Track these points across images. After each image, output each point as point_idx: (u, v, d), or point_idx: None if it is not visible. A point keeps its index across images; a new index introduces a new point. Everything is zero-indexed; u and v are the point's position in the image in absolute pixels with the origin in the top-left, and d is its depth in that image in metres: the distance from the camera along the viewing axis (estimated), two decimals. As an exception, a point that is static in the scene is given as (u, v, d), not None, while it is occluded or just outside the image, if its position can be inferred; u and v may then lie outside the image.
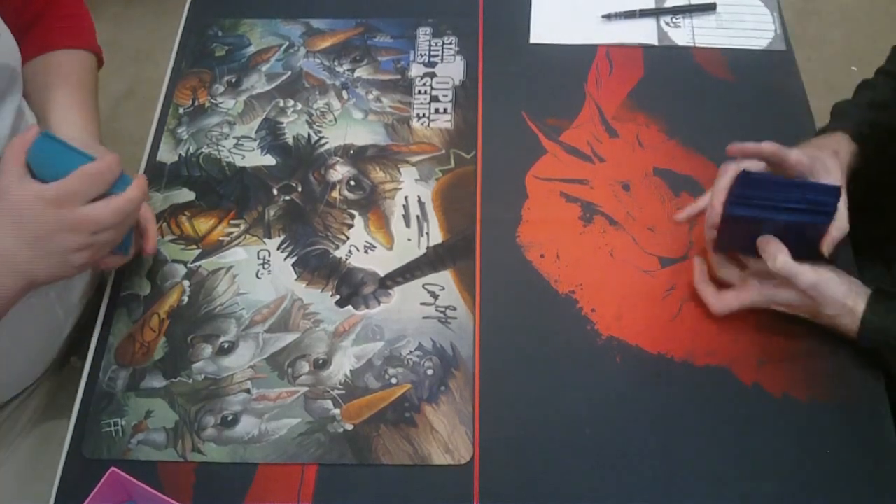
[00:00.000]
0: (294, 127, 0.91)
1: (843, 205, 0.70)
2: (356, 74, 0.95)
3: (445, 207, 0.84)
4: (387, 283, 0.79)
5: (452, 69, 0.95)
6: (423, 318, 0.77)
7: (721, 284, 0.75)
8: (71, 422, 0.73)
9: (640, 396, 0.72)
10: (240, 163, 0.88)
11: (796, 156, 0.72)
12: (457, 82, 0.94)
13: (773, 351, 0.74)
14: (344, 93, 0.94)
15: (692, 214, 0.76)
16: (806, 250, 0.69)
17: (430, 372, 0.74)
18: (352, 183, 0.86)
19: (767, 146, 0.73)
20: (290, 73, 0.96)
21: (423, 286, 0.79)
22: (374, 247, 0.82)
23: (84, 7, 0.87)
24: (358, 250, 0.81)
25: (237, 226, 0.84)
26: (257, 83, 0.95)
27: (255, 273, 0.80)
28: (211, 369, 0.75)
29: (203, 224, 0.84)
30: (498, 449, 0.70)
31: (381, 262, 0.81)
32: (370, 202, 0.85)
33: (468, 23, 1.00)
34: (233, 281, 0.80)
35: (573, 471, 0.69)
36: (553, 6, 1.01)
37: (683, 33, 0.97)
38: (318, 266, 0.81)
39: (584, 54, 0.96)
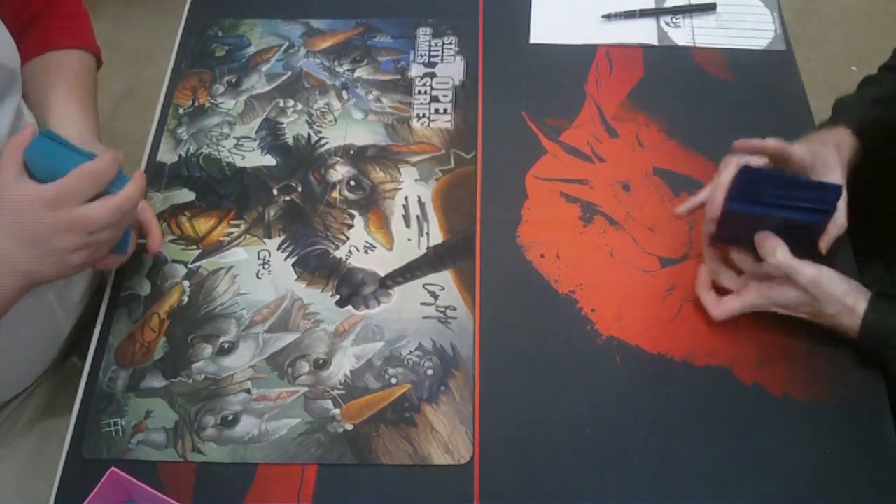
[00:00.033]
0: (294, 127, 0.91)
1: (842, 203, 0.70)
2: (356, 74, 0.95)
3: (445, 207, 0.84)
4: (387, 283, 0.79)
5: (452, 69, 0.95)
6: (423, 318, 0.77)
7: (722, 292, 0.75)
8: (71, 422, 0.73)
9: (640, 396, 0.72)
10: (240, 163, 0.88)
11: (799, 152, 0.72)
12: (457, 82, 0.94)
13: (773, 351, 0.74)
14: (344, 93, 0.94)
15: (692, 208, 0.76)
16: (804, 248, 0.69)
17: (430, 372, 0.74)
18: (352, 183, 0.86)
19: (772, 143, 0.73)
20: (290, 73, 0.96)
21: (423, 286, 0.79)
22: (374, 247, 0.82)
23: (82, 7, 0.87)
24: (358, 250, 0.81)
25: (237, 226, 0.84)
26: (257, 83, 0.95)
27: (255, 273, 0.80)
28: (211, 369, 0.75)
29: (203, 224, 0.84)
30: (498, 449, 0.70)
31: (381, 262, 0.81)
32: (370, 202, 0.85)
33: (468, 23, 1.00)
34: (233, 281, 0.80)
35: (573, 471, 0.69)
36: (553, 6, 1.01)
37: (683, 33, 0.97)
38: (318, 266, 0.81)
39: (584, 54, 0.96)
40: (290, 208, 0.85)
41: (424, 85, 0.94)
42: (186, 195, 0.86)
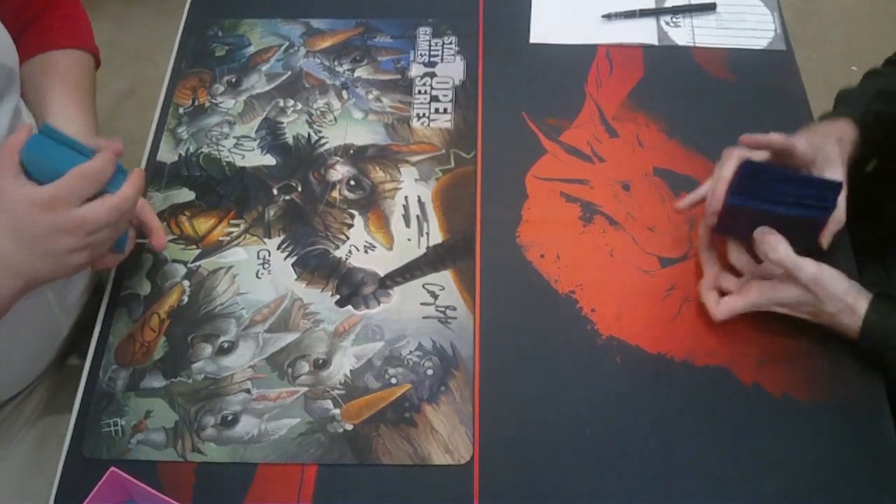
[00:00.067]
0: (294, 127, 0.91)
1: (841, 198, 0.70)
2: (356, 74, 0.95)
3: (445, 207, 0.84)
4: (387, 283, 0.79)
5: (452, 69, 0.95)
6: (423, 318, 0.77)
7: (721, 293, 0.75)
8: (71, 421, 0.73)
9: (640, 396, 0.72)
10: (240, 163, 0.88)
11: (801, 146, 0.73)
12: (457, 82, 0.94)
13: (773, 351, 0.74)
14: (344, 93, 0.94)
15: (693, 202, 0.77)
16: (804, 243, 0.70)
17: (430, 372, 0.74)
18: (352, 183, 0.86)
19: (776, 138, 0.73)
20: (290, 73, 0.96)
21: (423, 286, 0.79)
22: (374, 247, 0.82)
23: (81, 7, 0.87)
24: (358, 250, 0.81)
25: (237, 226, 0.84)
26: (257, 83, 0.95)
27: (255, 273, 0.80)
28: (211, 369, 0.75)
29: (203, 224, 0.84)
30: (498, 449, 0.70)
31: (381, 262, 0.81)
32: (370, 202, 0.85)
33: (468, 23, 0.99)
34: (233, 281, 0.80)
35: (573, 471, 0.69)
36: (553, 6, 1.01)
37: (683, 33, 0.97)
38: (318, 266, 0.81)
39: (584, 54, 0.96)
40: (290, 208, 0.85)
41: (424, 85, 0.94)
42: (186, 195, 0.86)
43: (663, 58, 0.95)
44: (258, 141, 0.90)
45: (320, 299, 0.78)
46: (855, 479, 0.68)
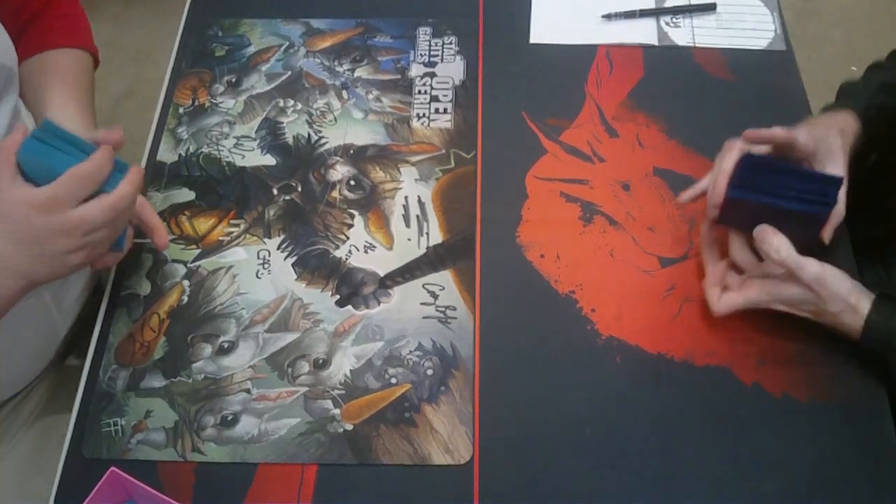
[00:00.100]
0: (294, 127, 0.91)
1: (842, 191, 0.70)
2: (356, 74, 0.95)
3: (445, 207, 0.84)
4: (387, 282, 0.79)
5: (452, 69, 0.95)
6: (423, 318, 0.77)
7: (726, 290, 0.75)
8: (71, 421, 0.73)
9: (640, 396, 0.72)
10: (240, 163, 0.88)
11: (803, 139, 0.73)
12: (457, 82, 0.94)
13: (773, 351, 0.74)
14: (344, 93, 0.94)
15: (695, 196, 0.77)
16: (804, 238, 0.70)
17: (430, 372, 0.74)
18: (352, 183, 0.86)
19: (779, 133, 0.73)
20: (290, 73, 0.96)
21: (423, 286, 0.79)
22: (374, 247, 0.82)
23: (80, 7, 0.87)
24: (358, 250, 0.81)
25: (237, 226, 0.84)
26: (257, 83, 0.95)
27: (255, 273, 0.80)
28: (211, 369, 0.75)
29: (203, 224, 0.84)
30: (498, 449, 0.70)
31: (381, 262, 0.81)
32: (370, 202, 0.85)
33: (468, 23, 1.00)
34: (233, 281, 0.80)
35: (573, 471, 0.69)
36: (553, 6, 1.01)
37: (683, 33, 0.97)
38: (318, 266, 0.81)
39: (584, 54, 0.96)
40: (289, 208, 0.85)
41: (424, 85, 0.94)
42: (186, 195, 0.86)
43: (663, 58, 0.95)
44: (258, 141, 0.90)
45: (320, 299, 0.78)
46: (855, 479, 0.68)
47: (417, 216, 0.84)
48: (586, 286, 0.79)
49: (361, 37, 0.99)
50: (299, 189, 0.86)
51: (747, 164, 0.70)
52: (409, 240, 0.82)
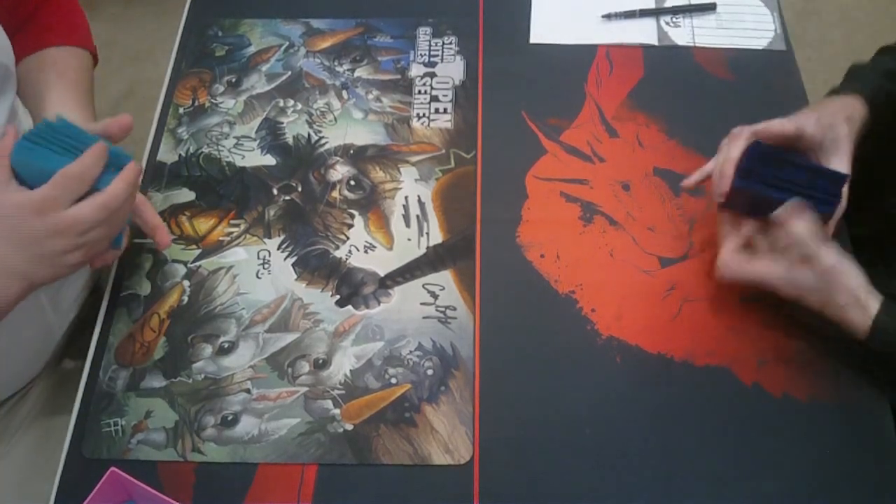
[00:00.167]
0: (294, 127, 0.91)
1: (844, 186, 0.70)
2: (356, 74, 0.95)
3: (445, 207, 0.84)
4: (387, 282, 0.79)
5: (452, 69, 0.95)
6: (423, 318, 0.77)
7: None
8: (71, 422, 0.72)
9: (640, 396, 0.72)
10: (240, 163, 0.88)
11: (811, 131, 0.72)
12: (457, 82, 0.94)
13: (773, 351, 0.74)
14: (344, 93, 0.94)
15: (699, 180, 0.76)
16: None
17: (430, 372, 0.74)
18: (352, 183, 0.86)
19: (789, 128, 0.73)
20: (290, 73, 0.96)
21: (423, 286, 0.79)
22: (374, 247, 0.82)
23: (77, 5, 0.87)
24: (358, 250, 0.81)
25: (237, 226, 0.84)
26: (257, 83, 0.95)
27: (255, 273, 0.80)
28: (211, 369, 0.75)
29: (203, 224, 0.84)
30: (498, 449, 0.70)
31: (381, 262, 0.81)
32: (370, 202, 0.85)
33: (468, 23, 1.00)
34: (233, 281, 0.80)
35: (573, 471, 0.69)
36: (553, 6, 1.01)
37: (683, 33, 0.97)
38: (318, 266, 0.81)
39: (584, 54, 0.96)
40: (290, 208, 0.85)
41: (424, 85, 0.94)
42: (186, 195, 0.86)
43: (663, 58, 0.95)
44: (258, 141, 0.90)
45: (320, 299, 0.78)
46: (855, 479, 0.68)
47: (417, 216, 0.84)
48: (586, 286, 0.79)
49: (361, 37, 0.99)
50: (299, 189, 0.86)
51: (754, 153, 0.70)
52: (409, 240, 0.82)
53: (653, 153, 0.87)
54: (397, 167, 0.87)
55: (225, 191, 0.86)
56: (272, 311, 0.78)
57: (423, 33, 0.99)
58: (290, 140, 0.90)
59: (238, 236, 0.83)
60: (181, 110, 0.93)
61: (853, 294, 0.67)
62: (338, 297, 0.79)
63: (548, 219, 0.83)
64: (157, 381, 0.74)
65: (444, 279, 0.79)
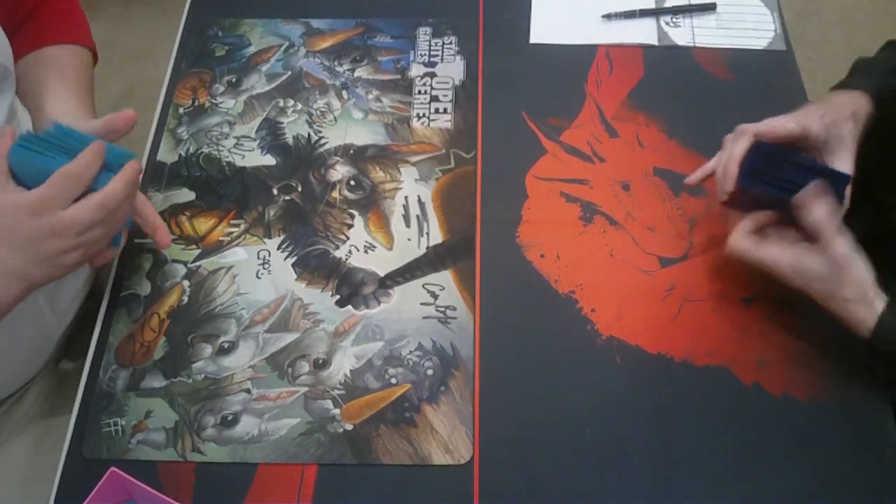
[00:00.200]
0: (294, 127, 0.91)
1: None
2: (356, 74, 0.95)
3: (445, 207, 0.84)
4: (387, 282, 0.79)
5: (452, 69, 0.95)
6: (423, 318, 0.77)
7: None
8: (71, 422, 0.72)
9: (640, 396, 0.72)
10: (240, 163, 0.88)
11: (816, 131, 0.72)
12: (457, 82, 0.94)
13: (773, 351, 0.74)
14: (344, 93, 0.94)
15: (702, 178, 0.77)
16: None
17: (430, 372, 0.74)
18: (352, 183, 0.86)
19: (793, 129, 0.73)
20: (290, 73, 0.96)
21: (423, 286, 0.79)
22: (374, 247, 0.82)
23: (76, 3, 0.87)
24: (358, 250, 0.81)
25: (237, 226, 0.84)
26: (257, 83, 0.95)
27: (255, 273, 0.80)
28: (211, 369, 0.75)
29: (203, 224, 0.84)
30: (498, 449, 0.70)
31: (381, 262, 0.81)
32: (370, 202, 0.85)
33: (468, 23, 1.00)
34: (233, 281, 0.80)
35: (573, 471, 0.69)
36: (553, 6, 1.01)
37: (683, 33, 0.97)
38: (318, 266, 0.81)
39: (584, 54, 0.96)
40: (290, 208, 0.85)
41: (424, 85, 0.94)
42: (186, 195, 0.86)
43: (663, 58, 0.95)
44: (258, 141, 0.90)
45: (320, 299, 0.78)
46: (855, 478, 0.68)
47: (417, 216, 0.84)
48: (586, 286, 0.79)
49: (361, 37, 0.99)
50: (299, 189, 0.86)
51: (758, 152, 0.70)
52: (409, 240, 0.82)
53: (653, 153, 0.87)
54: (397, 167, 0.87)
55: (225, 191, 0.86)
56: (272, 311, 0.78)
57: (423, 33, 0.99)
58: (290, 140, 0.90)
59: (238, 236, 0.83)
60: (181, 110, 0.93)
61: (862, 288, 0.66)
62: (338, 297, 0.79)
63: (548, 219, 0.83)
64: (157, 381, 0.74)
65: (444, 279, 0.79)
